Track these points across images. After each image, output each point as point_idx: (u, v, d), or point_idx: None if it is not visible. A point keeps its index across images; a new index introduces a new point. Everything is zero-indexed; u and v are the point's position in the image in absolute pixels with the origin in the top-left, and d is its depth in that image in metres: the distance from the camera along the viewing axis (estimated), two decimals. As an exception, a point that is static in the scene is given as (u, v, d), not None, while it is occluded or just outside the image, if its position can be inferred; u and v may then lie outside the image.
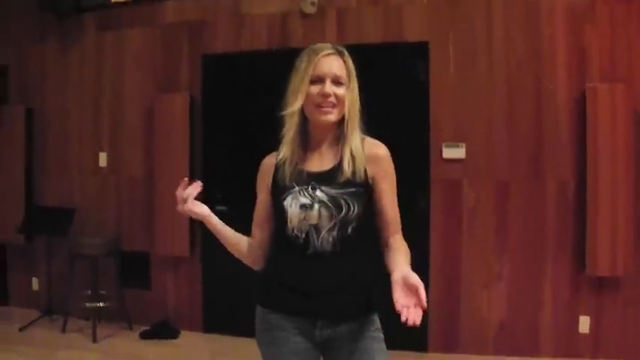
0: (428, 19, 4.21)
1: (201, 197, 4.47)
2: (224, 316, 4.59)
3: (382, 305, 1.90)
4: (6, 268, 5.28)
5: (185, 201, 1.89)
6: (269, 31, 4.52)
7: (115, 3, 5.00)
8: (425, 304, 1.45)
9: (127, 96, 4.89)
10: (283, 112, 1.85)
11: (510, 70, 4.04)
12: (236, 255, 1.96)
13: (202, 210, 1.91)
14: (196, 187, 1.91)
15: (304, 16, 4.42)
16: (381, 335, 1.88)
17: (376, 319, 1.90)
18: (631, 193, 3.78)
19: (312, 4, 4.38)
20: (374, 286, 1.90)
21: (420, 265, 4.06)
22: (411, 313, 1.46)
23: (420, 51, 4.22)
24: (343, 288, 1.81)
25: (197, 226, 4.56)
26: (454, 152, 4.14)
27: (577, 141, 3.91)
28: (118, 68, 4.93)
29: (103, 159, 4.94)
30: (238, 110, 4.58)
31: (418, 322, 1.45)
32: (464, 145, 4.11)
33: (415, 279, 1.50)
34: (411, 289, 1.50)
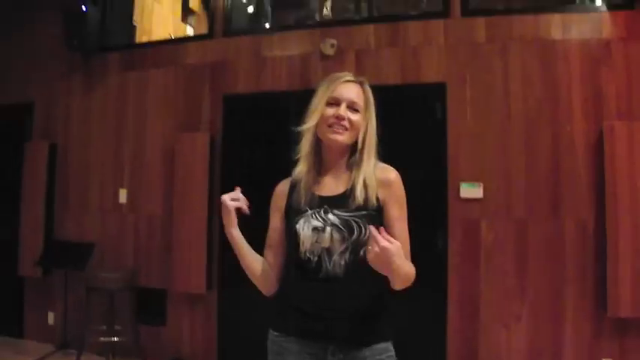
0: (445, 61, 4.28)
1: (219, 234, 4.49)
2: (239, 354, 4.53)
3: (395, 334, 1.91)
4: (23, 302, 5.28)
5: (234, 200, 1.89)
6: (289, 72, 4.61)
7: (139, 43, 5.16)
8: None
9: (149, 134, 4.98)
10: (298, 128, 1.93)
11: (527, 110, 4.07)
12: (250, 274, 1.96)
13: (234, 219, 1.92)
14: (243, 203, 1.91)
15: (324, 57, 4.51)
16: None
17: (390, 347, 1.89)
18: (652, 232, 3.73)
19: (332, 45, 4.46)
20: (387, 313, 1.91)
21: (438, 304, 4.06)
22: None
23: (437, 92, 4.27)
24: (356, 312, 1.82)
25: (214, 264, 4.59)
26: (472, 191, 4.14)
27: (595, 179, 3.89)
28: (140, 107, 5.03)
29: (123, 195, 4.99)
30: (258, 150, 4.63)
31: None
32: (481, 184, 4.11)
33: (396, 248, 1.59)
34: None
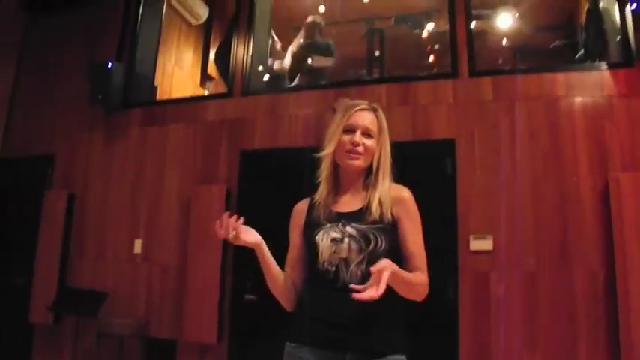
0: (454, 119, 4.45)
1: (232, 286, 4.51)
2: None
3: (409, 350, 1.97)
4: (32, 350, 5.26)
5: (235, 230, 1.88)
6: (304, 129, 4.79)
7: (160, 100, 5.38)
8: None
9: (166, 187, 5.11)
10: (318, 155, 2.08)
11: (534, 164, 4.20)
12: (273, 290, 2.04)
13: (255, 237, 1.96)
14: (239, 220, 1.93)
15: (338, 115, 4.68)
16: None
17: (404, 358, 1.94)
18: (661, 281, 3.76)
19: (346, 103, 4.65)
20: (402, 327, 1.98)
21: (449, 356, 4.02)
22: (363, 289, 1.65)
23: (447, 148, 4.41)
24: (371, 322, 1.88)
25: (225, 314, 4.62)
26: (481, 244, 4.20)
27: (604, 230, 3.95)
28: (159, 160, 5.19)
29: (138, 245, 5.07)
30: (273, 204, 4.72)
31: (364, 296, 1.64)
32: (491, 236, 4.18)
33: (386, 263, 1.70)
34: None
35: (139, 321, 4.70)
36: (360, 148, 2.00)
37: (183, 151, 5.13)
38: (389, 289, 1.86)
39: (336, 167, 2.09)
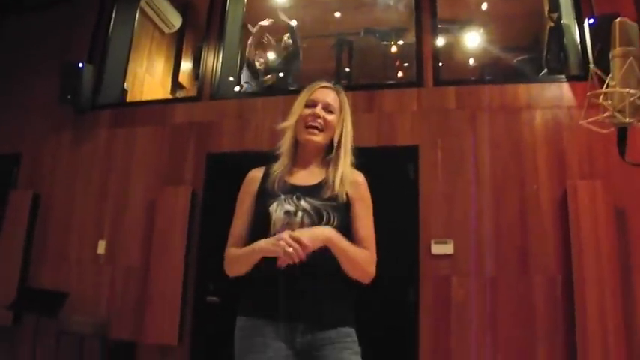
0: (418, 126, 4.55)
1: (194, 288, 4.51)
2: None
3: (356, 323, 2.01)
4: (-12, 353, 5.15)
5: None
6: (271, 133, 4.81)
7: (130, 102, 5.39)
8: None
9: (132, 188, 5.10)
10: (279, 126, 2.15)
11: (495, 171, 4.30)
12: (239, 268, 2.01)
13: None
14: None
15: (304, 119, 4.74)
16: (357, 348, 1.95)
17: (353, 333, 1.97)
18: (617, 286, 3.83)
19: (311, 109, 4.71)
20: (350, 301, 2.02)
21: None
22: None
23: (410, 154, 4.50)
24: (322, 295, 1.92)
25: (187, 316, 4.60)
26: (443, 248, 4.27)
27: (562, 237, 4.05)
28: (126, 162, 5.19)
29: (101, 246, 5.02)
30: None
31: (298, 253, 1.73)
32: (452, 241, 4.25)
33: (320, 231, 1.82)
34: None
35: (99, 320, 4.65)
36: (320, 121, 2.05)
37: (150, 153, 5.14)
38: (339, 265, 1.93)
39: (296, 142, 2.13)
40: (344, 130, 2.11)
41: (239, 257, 1.99)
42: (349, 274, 1.96)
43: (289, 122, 2.11)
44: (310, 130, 2.06)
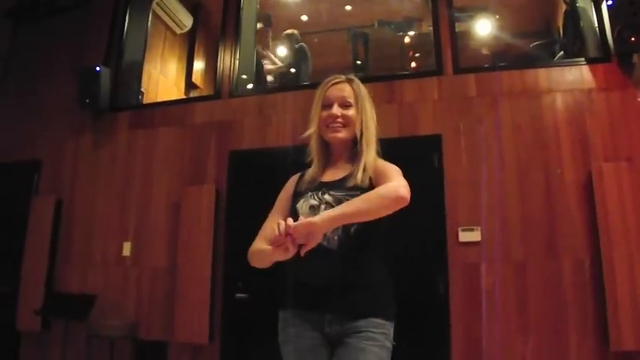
0: (440, 114, 4.55)
1: (223, 286, 4.53)
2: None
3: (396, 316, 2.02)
4: (18, 359, 5.18)
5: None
6: (292, 128, 4.83)
7: (148, 104, 5.41)
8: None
9: (155, 189, 5.11)
10: (303, 135, 2.19)
11: (519, 157, 4.30)
12: (257, 262, 2.00)
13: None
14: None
15: (325, 113, 4.75)
16: (386, 343, 1.94)
17: (388, 325, 1.97)
18: (647, 264, 3.84)
19: (334, 103, 4.73)
20: (386, 291, 2.03)
21: (441, 348, 4.06)
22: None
23: (433, 143, 4.49)
24: (350, 284, 1.94)
25: (216, 314, 4.61)
26: (470, 235, 4.27)
27: (588, 219, 4.05)
28: (147, 163, 5.20)
29: (127, 249, 5.05)
30: (262, 203, 4.75)
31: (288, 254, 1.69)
32: (479, 228, 4.25)
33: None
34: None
35: (128, 322, 4.67)
36: (340, 120, 2.08)
37: (171, 154, 5.15)
38: (367, 254, 1.97)
39: (324, 143, 2.17)
40: (364, 119, 2.13)
41: (258, 253, 2.00)
42: (384, 214, 1.84)
43: (311, 129, 2.16)
44: (333, 127, 2.10)
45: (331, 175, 2.11)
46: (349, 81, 2.17)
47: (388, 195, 1.82)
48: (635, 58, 4.16)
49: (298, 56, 5.90)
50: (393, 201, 1.82)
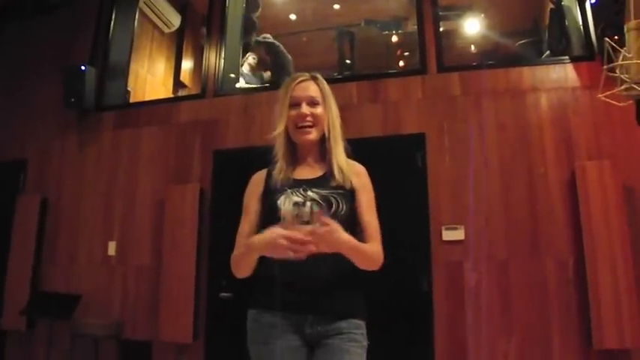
0: (424, 113, 4.55)
1: (207, 285, 4.49)
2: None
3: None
4: (3, 359, 5.16)
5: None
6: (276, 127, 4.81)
7: (134, 103, 5.39)
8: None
9: (140, 189, 5.10)
10: (270, 135, 2.14)
11: (503, 155, 4.30)
12: (244, 268, 1.98)
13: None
14: None
15: (310, 112, 4.75)
16: (364, 342, 1.97)
17: (364, 326, 2.00)
18: (630, 264, 3.83)
19: (316, 101, 4.72)
20: (362, 293, 2.04)
21: (425, 347, 4.06)
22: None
23: (417, 142, 4.49)
24: (334, 285, 1.92)
25: (201, 313, 4.60)
26: (454, 234, 4.27)
27: (572, 218, 4.05)
28: (132, 163, 5.19)
29: (112, 248, 5.03)
30: (246, 202, 4.77)
31: (301, 255, 1.71)
32: (462, 227, 4.25)
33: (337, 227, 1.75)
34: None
35: (112, 322, 4.66)
36: (309, 119, 2.06)
37: (156, 153, 5.14)
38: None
39: (291, 142, 2.13)
40: (330, 117, 2.11)
41: (240, 258, 1.98)
42: (358, 267, 1.97)
43: (279, 129, 2.11)
44: (303, 130, 2.07)
45: (305, 173, 2.09)
46: (314, 79, 2.15)
47: (378, 260, 1.99)
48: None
49: (275, 60, 5.86)
50: (375, 265, 2.00)
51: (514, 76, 4.47)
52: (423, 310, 4.19)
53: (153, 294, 4.77)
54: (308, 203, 1.96)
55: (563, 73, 4.39)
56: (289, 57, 5.83)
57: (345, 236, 1.81)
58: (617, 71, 2.50)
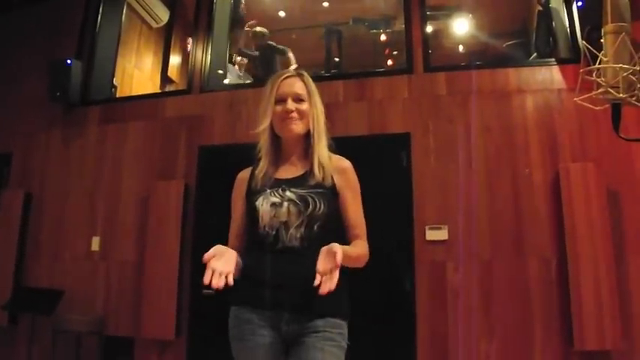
0: (409, 113, 4.55)
1: (190, 282, 4.46)
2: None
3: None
4: (-16, 355, 5.13)
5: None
6: (262, 124, 4.80)
7: (120, 97, 5.36)
8: (339, 261, 1.67)
9: (125, 184, 5.07)
10: (255, 131, 2.12)
11: (488, 156, 4.32)
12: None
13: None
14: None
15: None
16: (343, 343, 1.96)
17: (344, 326, 1.99)
18: (611, 266, 3.86)
19: (302, 99, 4.72)
20: (343, 291, 2.00)
21: (407, 346, 4.07)
22: (325, 281, 1.68)
23: (402, 141, 4.50)
24: (309, 283, 1.90)
25: (184, 310, 4.59)
26: (437, 234, 4.28)
27: (555, 219, 4.07)
28: (117, 157, 5.16)
29: (95, 243, 5.01)
30: (231, 199, 4.75)
31: (332, 287, 1.68)
32: (446, 227, 4.26)
33: (336, 247, 1.71)
34: (330, 254, 1.71)
35: (95, 318, 4.64)
36: (295, 114, 2.05)
37: (141, 148, 5.12)
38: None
39: (276, 139, 2.12)
40: (315, 114, 2.10)
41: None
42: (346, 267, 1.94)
43: (264, 125, 2.09)
44: (290, 120, 2.05)
45: (287, 172, 2.08)
46: (300, 75, 2.14)
47: (365, 259, 2.01)
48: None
49: (267, 54, 5.88)
50: (363, 264, 2.01)
51: (500, 77, 4.48)
52: (406, 310, 4.19)
53: (136, 290, 4.75)
54: (285, 204, 1.96)
55: (549, 75, 4.40)
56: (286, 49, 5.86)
57: (340, 252, 1.74)
58: (594, 75, 2.50)
